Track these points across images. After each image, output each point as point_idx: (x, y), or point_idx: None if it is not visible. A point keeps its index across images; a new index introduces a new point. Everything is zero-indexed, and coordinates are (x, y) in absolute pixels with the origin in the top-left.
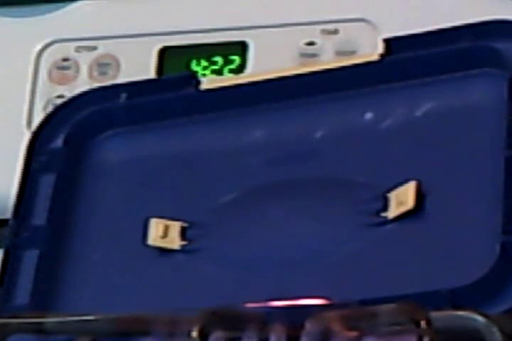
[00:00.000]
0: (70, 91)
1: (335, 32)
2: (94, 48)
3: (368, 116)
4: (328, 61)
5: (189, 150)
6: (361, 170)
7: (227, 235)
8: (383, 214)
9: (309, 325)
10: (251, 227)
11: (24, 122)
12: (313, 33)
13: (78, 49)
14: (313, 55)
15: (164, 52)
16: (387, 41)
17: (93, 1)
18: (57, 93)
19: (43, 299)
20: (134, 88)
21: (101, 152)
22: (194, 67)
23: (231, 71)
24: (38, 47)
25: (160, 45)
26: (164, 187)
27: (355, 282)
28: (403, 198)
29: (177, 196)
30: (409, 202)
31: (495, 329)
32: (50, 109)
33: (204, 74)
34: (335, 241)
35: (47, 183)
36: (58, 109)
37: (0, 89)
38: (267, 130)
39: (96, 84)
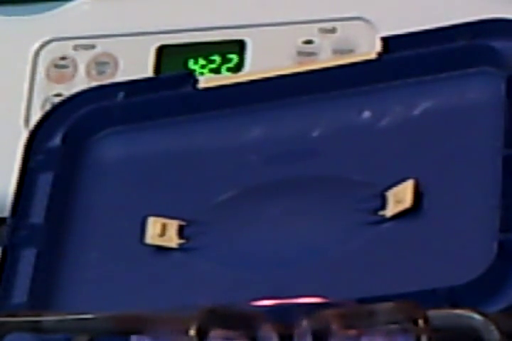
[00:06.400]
0: (68, 89)
1: (333, 30)
2: (92, 47)
3: (366, 114)
4: (326, 59)
5: (187, 149)
6: (359, 169)
7: (225, 233)
8: (381, 213)
9: (307, 324)
10: (249, 225)
11: (22, 121)
12: (311, 32)
13: (76, 47)
14: (311, 54)
15: (162, 51)
16: (385, 40)
17: None
18: (55, 92)
19: (41, 298)
20: (132, 87)
21: (99, 150)
22: (192, 65)
23: (229, 70)
24: (36, 45)
25: (158, 44)
26: (162, 185)
27: (353, 280)
28: (401, 197)
29: (175, 194)
30: (407, 201)
31: (493, 327)
32: (47, 107)
33: (202, 73)
34: (333, 240)
35: (45, 182)
36: (56, 108)
37: None
38: (265, 128)
39: (94, 83)
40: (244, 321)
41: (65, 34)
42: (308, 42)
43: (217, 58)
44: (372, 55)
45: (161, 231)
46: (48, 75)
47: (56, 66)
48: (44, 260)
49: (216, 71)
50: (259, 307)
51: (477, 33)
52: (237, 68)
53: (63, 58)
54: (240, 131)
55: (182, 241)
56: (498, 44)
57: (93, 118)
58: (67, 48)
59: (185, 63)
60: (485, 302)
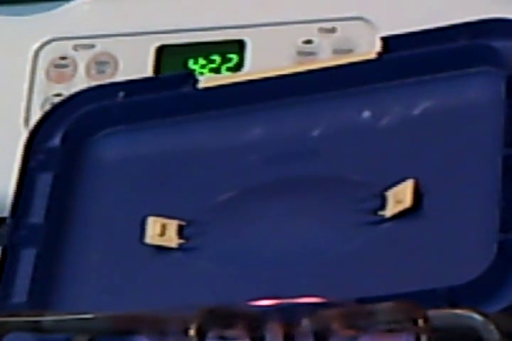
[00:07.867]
0: (68, 89)
1: (332, 30)
2: (92, 46)
3: (366, 114)
4: (326, 59)
5: (187, 149)
6: (359, 169)
7: (225, 233)
8: (381, 213)
9: (307, 323)
10: (248, 225)
11: (22, 120)
12: (311, 32)
13: (76, 47)
14: (311, 54)
15: (162, 51)
16: (385, 39)
17: None
18: (55, 91)
19: (41, 297)
20: (132, 86)
21: (98, 150)
22: (192, 65)
23: (229, 69)
24: (36, 45)
25: (158, 44)
26: (162, 185)
27: (353, 280)
28: (401, 196)
29: (175, 194)
30: (407, 201)
31: (492, 327)
32: (47, 107)
33: (202, 73)
34: (332, 240)
35: (44, 182)
36: (56, 108)
37: None
38: (265, 128)
39: (94, 83)
40: (244, 321)
41: (64, 34)
42: (308, 42)
43: (217, 58)
44: (372, 55)
45: (160, 231)
46: (47, 75)
47: (56, 66)
48: (44, 260)
49: (216, 71)
50: (259, 307)
51: (477, 33)
52: (237, 68)
53: (63, 58)
54: (240, 131)
55: (182, 241)
56: (498, 44)
57: (93, 118)
58: (67, 48)
59: (185, 63)
60: (485, 302)
